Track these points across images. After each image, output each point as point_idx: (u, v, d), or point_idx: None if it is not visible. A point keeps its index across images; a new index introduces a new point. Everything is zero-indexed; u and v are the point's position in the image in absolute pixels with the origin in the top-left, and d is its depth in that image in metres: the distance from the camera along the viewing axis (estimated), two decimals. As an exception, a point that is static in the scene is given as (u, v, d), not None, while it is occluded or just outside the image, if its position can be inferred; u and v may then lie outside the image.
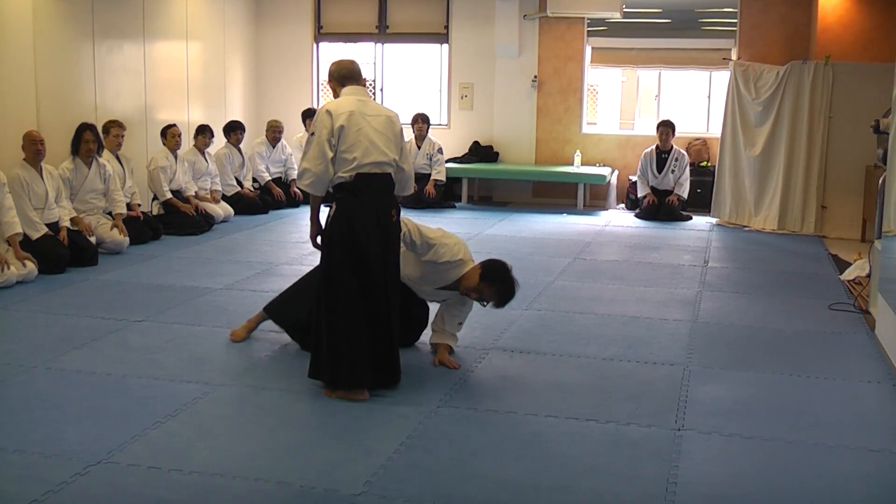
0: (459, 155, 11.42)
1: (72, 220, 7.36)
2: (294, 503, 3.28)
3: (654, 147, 10.36)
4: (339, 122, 4.27)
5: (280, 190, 10.42)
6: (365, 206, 4.30)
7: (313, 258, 7.58)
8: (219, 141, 9.95)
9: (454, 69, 11.62)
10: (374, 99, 11.93)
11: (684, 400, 4.35)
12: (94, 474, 3.43)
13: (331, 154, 4.27)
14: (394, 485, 3.40)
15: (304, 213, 10.22)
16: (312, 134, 4.33)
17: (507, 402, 4.28)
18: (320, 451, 3.73)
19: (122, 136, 8.23)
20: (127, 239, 7.76)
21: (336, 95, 4.51)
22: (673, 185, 10.24)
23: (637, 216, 10.29)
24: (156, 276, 6.91)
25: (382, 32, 11.80)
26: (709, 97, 11.41)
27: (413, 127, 10.65)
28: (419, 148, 10.70)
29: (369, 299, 4.29)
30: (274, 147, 10.61)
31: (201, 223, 8.85)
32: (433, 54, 11.85)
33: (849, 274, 7.03)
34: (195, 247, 8.10)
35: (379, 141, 4.33)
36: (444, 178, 10.67)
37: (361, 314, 4.28)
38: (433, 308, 5.10)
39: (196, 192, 9.24)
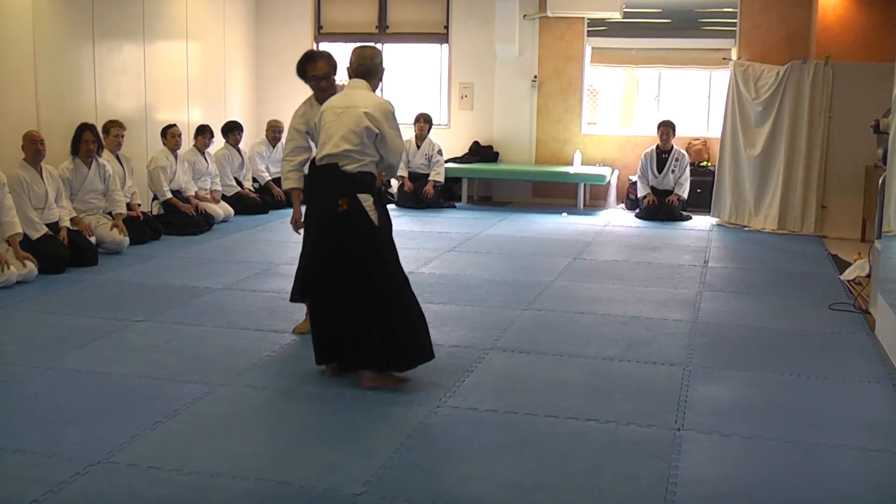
0: (459, 155, 11.42)
1: (72, 220, 7.36)
2: (294, 503, 3.29)
3: (654, 147, 10.36)
4: (316, 118, 4.63)
5: (280, 190, 10.41)
6: (315, 197, 4.56)
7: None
8: (219, 141, 9.96)
9: (454, 69, 11.62)
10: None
11: (684, 400, 4.35)
12: (94, 474, 3.43)
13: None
14: (394, 485, 3.40)
15: (304, 213, 10.22)
16: None
17: (507, 402, 4.28)
18: (320, 451, 3.73)
19: (122, 136, 8.24)
20: (127, 239, 7.77)
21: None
22: (673, 185, 10.24)
23: (637, 216, 10.29)
24: (156, 276, 6.91)
25: (382, 32, 11.80)
26: (709, 97, 11.40)
27: (414, 126, 10.66)
28: (418, 148, 10.70)
29: (317, 285, 4.48)
30: (274, 147, 10.61)
31: (201, 223, 8.85)
32: (433, 54, 11.85)
33: (849, 274, 7.03)
34: (195, 247, 8.10)
35: (337, 133, 4.42)
36: (442, 180, 10.68)
37: (314, 298, 4.55)
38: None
39: (196, 192, 9.24)
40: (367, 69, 4.56)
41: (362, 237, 4.38)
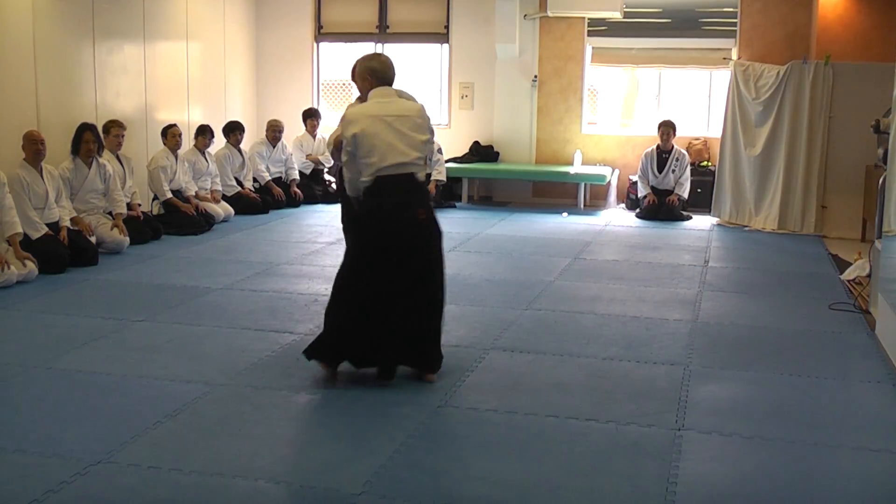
0: (459, 155, 11.42)
1: (72, 219, 7.36)
2: (294, 503, 3.29)
3: (654, 147, 10.36)
4: (352, 130, 4.42)
5: (280, 190, 10.42)
6: (386, 206, 4.42)
7: (314, 258, 7.59)
8: (219, 141, 9.96)
9: (454, 69, 11.62)
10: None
11: (684, 400, 4.35)
12: (94, 474, 3.43)
13: (349, 160, 4.50)
14: (394, 485, 3.40)
15: (304, 212, 10.24)
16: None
17: (507, 402, 4.28)
18: (320, 451, 3.73)
19: (123, 136, 8.24)
20: (127, 239, 7.77)
21: (362, 93, 4.67)
22: (673, 185, 10.24)
23: (637, 216, 10.29)
24: (156, 276, 6.91)
25: (382, 32, 11.80)
26: (709, 97, 11.40)
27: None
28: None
29: (371, 291, 4.42)
30: (274, 147, 10.61)
31: (201, 223, 8.85)
32: (433, 54, 11.85)
33: (849, 274, 7.03)
34: (195, 247, 8.10)
35: (399, 142, 4.40)
36: (444, 178, 10.67)
37: (360, 303, 4.43)
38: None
39: (196, 192, 9.24)
40: (392, 77, 4.61)
41: (436, 243, 4.57)
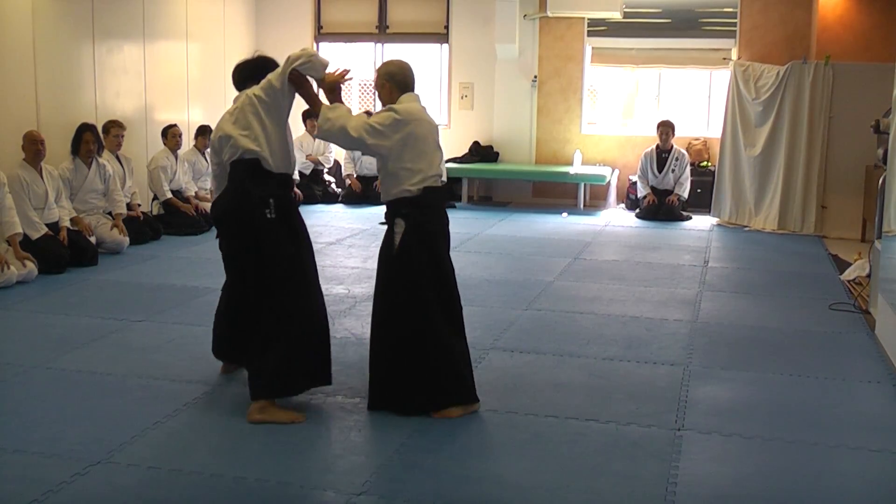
0: (459, 155, 11.42)
1: (72, 220, 7.36)
2: (294, 503, 3.28)
3: (654, 147, 10.36)
4: (407, 130, 4.04)
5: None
6: (435, 219, 4.17)
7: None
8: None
9: (454, 69, 11.62)
10: (374, 100, 11.98)
11: (684, 400, 4.35)
12: (94, 474, 3.43)
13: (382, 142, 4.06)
14: (394, 485, 3.40)
15: (304, 213, 10.20)
16: (370, 115, 4.12)
17: (507, 402, 4.28)
18: (320, 451, 3.73)
19: (122, 136, 8.24)
20: (127, 239, 7.77)
21: (387, 96, 4.21)
22: (673, 185, 10.24)
23: (637, 216, 10.29)
24: (156, 276, 6.91)
25: (382, 32, 11.81)
26: (709, 97, 11.41)
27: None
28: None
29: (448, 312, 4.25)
30: (274, 147, 10.60)
31: (201, 223, 8.85)
32: (433, 54, 11.85)
33: (849, 274, 7.03)
34: (195, 247, 8.10)
35: (437, 152, 4.19)
36: (445, 179, 10.68)
37: (448, 330, 4.21)
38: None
39: (196, 192, 9.24)
40: (412, 79, 4.29)
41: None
